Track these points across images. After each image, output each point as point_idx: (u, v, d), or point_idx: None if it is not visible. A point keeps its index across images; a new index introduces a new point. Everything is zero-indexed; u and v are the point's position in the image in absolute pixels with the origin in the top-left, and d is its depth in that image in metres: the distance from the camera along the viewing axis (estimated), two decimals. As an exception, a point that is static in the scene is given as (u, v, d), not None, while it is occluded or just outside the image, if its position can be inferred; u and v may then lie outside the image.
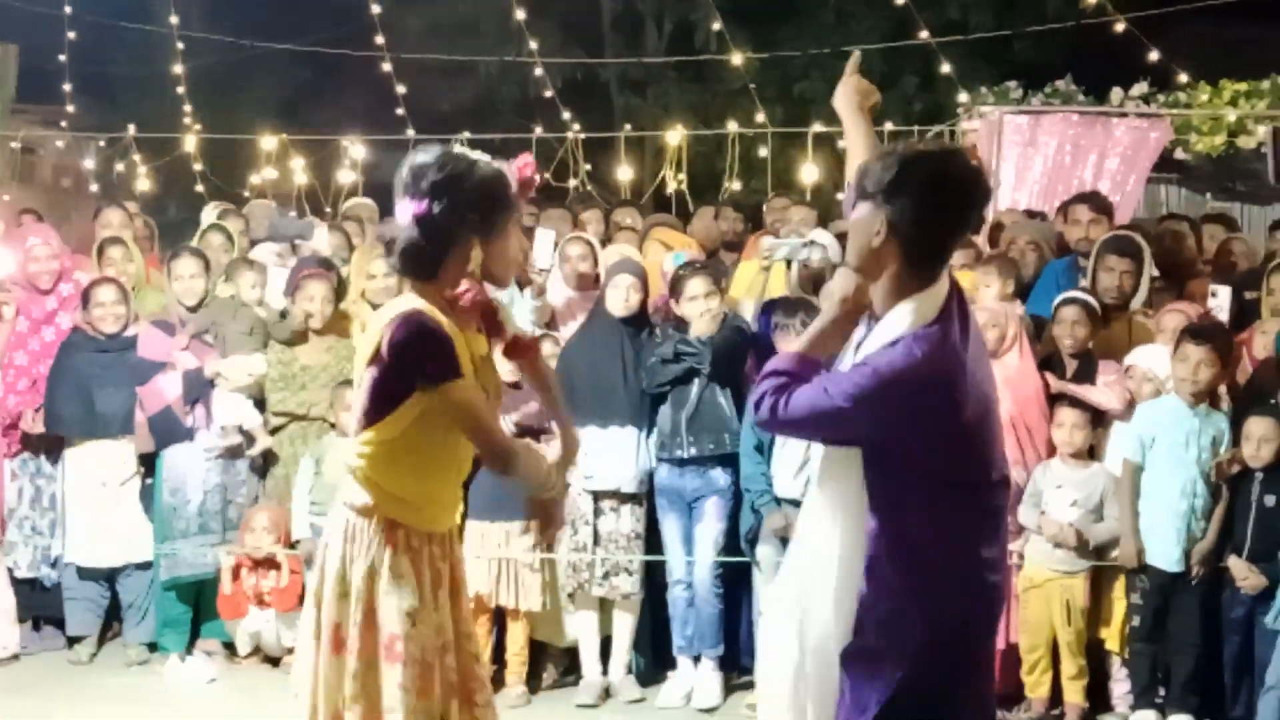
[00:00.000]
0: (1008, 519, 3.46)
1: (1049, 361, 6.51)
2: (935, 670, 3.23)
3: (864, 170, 3.26)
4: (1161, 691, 6.13)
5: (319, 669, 3.55)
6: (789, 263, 6.96)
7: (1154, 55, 10.84)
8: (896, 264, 3.21)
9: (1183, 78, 11.08)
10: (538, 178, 3.66)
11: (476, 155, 3.55)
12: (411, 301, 3.53)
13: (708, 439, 6.41)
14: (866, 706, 3.21)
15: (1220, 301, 6.73)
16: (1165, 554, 6.03)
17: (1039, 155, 9.98)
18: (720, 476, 6.45)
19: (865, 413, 3.14)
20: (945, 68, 12.69)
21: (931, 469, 3.21)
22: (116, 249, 7.65)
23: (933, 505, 3.22)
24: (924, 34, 12.57)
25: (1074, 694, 6.17)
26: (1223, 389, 6.33)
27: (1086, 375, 6.43)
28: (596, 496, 6.54)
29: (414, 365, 3.45)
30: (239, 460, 7.06)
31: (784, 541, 5.76)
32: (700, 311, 6.47)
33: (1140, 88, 10.98)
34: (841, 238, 6.09)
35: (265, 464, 7.12)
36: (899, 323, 3.19)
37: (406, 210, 3.49)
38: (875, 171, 3.21)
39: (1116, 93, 10.96)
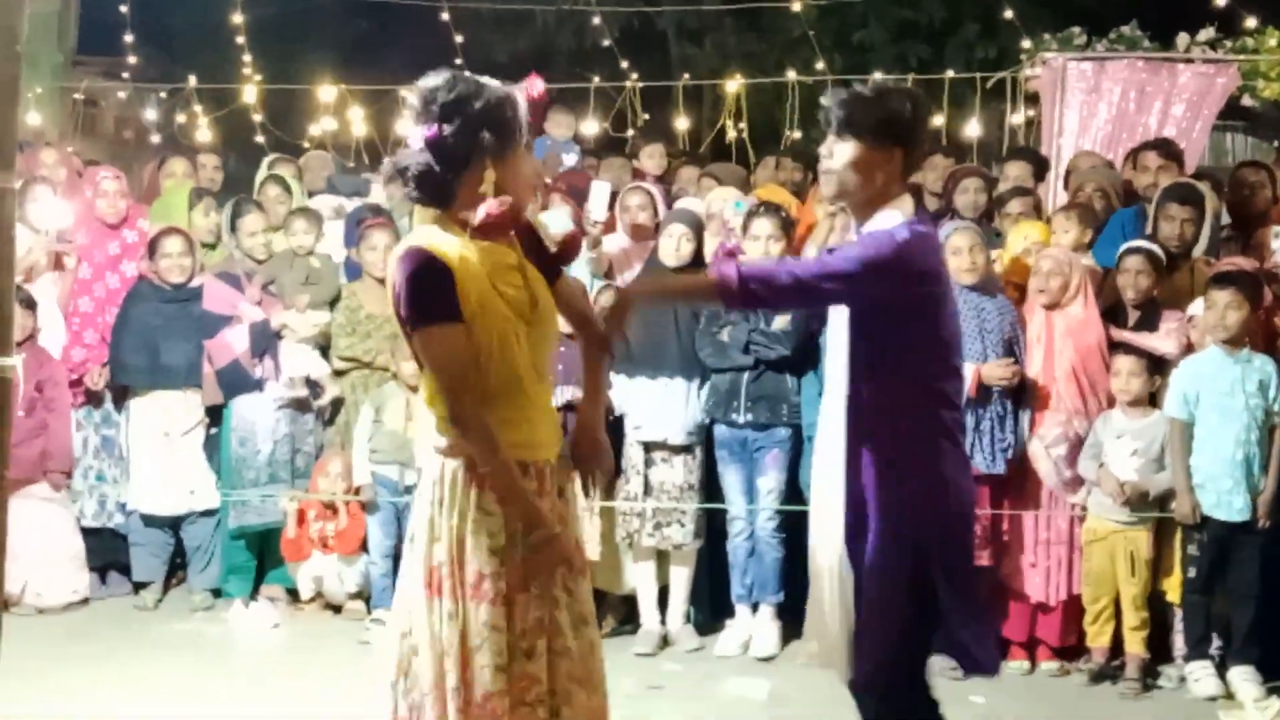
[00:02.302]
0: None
1: (1112, 311, 6.44)
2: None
3: (851, 113, 3.73)
4: (1219, 643, 6.08)
5: (416, 612, 3.50)
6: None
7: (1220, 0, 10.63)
8: (895, 183, 3.80)
9: (1250, 22, 10.86)
10: (545, 95, 3.56)
11: (484, 79, 3.50)
12: (416, 237, 3.48)
13: (765, 407, 6.41)
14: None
15: (1284, 246, 6.62)
16: (1227, 504, 5.96)
17: (1103, 102, 9.82)
18: (780, 429, 6.45)
19: (871, 272, 3.62)
20: (1008, 14, 12.48)
21: (918, 347, 3.69)
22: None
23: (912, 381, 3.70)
24: (986, -20, 12.40)
25: (1135, 645, 6.14)
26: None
27: (1149, 325, 6.36)
28: (648, 447, 6.56)
29: (403, 305, 3.41)
30: (306, 411, 7.13)
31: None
32: (761, 253, 6.43)
33: (1206, 33, 10.77)
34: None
35: (331, 411, 7.19)
36: (892, 218, 3.72)
37: (418, 135, 3.44)
38: (883, 114, 3.74)
39: (1182, 38, 10.76)
